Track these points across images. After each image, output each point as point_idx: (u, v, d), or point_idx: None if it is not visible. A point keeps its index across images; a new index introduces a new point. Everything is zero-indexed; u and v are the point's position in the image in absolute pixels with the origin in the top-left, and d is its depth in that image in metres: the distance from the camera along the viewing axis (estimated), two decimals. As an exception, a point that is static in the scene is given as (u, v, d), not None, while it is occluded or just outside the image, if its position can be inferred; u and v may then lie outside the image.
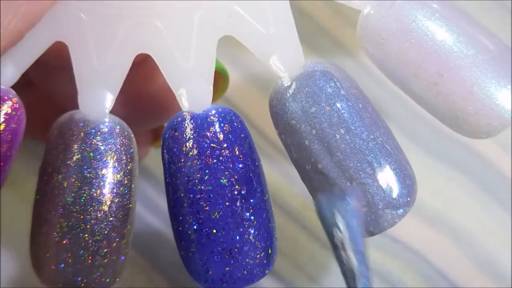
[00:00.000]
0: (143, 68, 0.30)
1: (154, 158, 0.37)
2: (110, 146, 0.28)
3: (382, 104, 0.39)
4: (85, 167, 0.28)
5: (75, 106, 0.28)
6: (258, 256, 0.28)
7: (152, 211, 0.40)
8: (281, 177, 0.40)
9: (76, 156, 0.28)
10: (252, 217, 0.28)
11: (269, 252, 0.28)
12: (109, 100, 0.28)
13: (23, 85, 0.28)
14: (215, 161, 0.27)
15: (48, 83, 0.32)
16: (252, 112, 0.40)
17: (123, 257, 0.29)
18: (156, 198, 0.40)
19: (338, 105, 0.28)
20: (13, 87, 0.28)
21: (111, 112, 0.28)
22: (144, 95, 0.32)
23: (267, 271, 0.28)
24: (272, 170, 0.40)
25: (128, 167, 0.28)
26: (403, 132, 0.40)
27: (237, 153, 0.28)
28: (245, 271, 0.28)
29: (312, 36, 0.39)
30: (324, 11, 0.39)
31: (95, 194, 0.28)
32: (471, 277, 0.40)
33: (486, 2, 0.31)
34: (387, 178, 0.28)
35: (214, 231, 0.27)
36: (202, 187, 0.27)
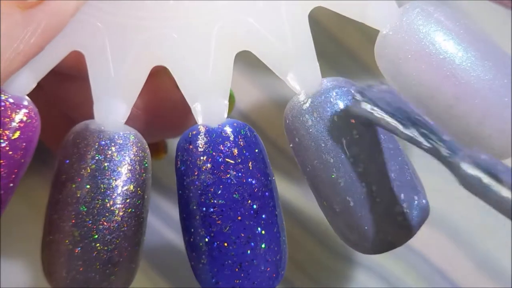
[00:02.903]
0: (158, 80, 0.30)
1: (154, 162, 0.37)
2: (124, 157, 0.28)
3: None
4: (99, 177, 0.28)
5: (85, 115, 0.28)
6: (268, 269, 0.28)
7: (152, 211, 0.40)
8: (282, 177, 0.40)
9: (91, 166, 0.28)
10: (263, 232, 0.28)
11: (279, 266, 0.28)
12: (124, 111, 0.28)
13: None
14: (228, 176, 0.27)
15: (59, 91, 0.32)
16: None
17: (134, 265, 0.29)
18: (156, 199, 0.40)
19: None
20: None
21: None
22: (157, 108, 0.31)
23: (276, 285, 0.29)
24: (272, 170, 0.39)
25: (142, 178, 0.28)
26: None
27: (251, 168, 0.28)
28: (254, 283, 0.28)
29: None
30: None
31: (108, 205, 0.28)
32: (471, 277, 0.40)
33: (487, 2, 0.31)
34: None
35: (226, 244, 0.28)
36: (215, 201, 0.27)
